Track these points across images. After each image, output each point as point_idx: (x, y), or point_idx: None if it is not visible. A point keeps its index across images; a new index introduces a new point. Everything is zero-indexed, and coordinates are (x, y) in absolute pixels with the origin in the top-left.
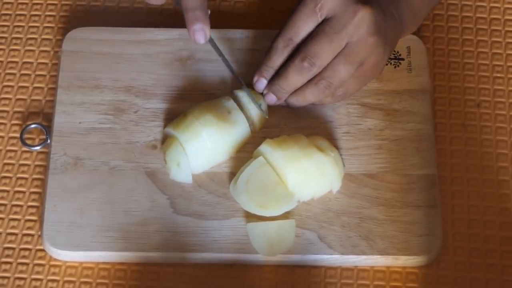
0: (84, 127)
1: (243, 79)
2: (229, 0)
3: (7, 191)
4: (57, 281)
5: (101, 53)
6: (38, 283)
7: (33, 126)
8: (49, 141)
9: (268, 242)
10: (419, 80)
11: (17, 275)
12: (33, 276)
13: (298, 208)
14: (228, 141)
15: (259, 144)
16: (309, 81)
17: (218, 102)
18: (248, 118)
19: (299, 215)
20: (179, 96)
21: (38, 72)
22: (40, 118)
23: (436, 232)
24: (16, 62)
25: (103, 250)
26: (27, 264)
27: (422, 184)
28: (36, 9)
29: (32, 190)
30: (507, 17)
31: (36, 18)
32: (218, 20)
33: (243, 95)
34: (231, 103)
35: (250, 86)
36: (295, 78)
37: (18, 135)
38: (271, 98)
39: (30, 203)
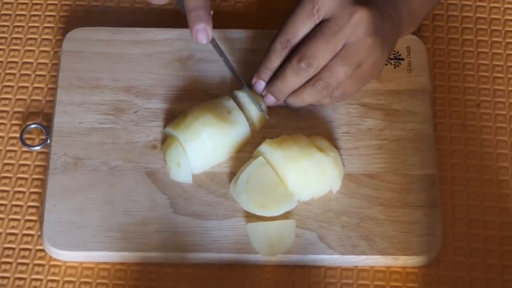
0: (84, 127)
1: (243, 79)
2: (229, 0)
3: (7, 191)
4: (57, 281)
5: (101, 53)
6: (38, 283)
7: (33, 126)
8: (49, 141)
9: (268, 242)
10: (419, 80)
11: (17, 275)
12: (33, 276)
13: (298, 208)
14: (228, 141)
15: (259, 144)
16: (307, 82)
17: (218, 102)
18: (248, 118)
19: (299, 215)
20: (179, 96)
21: (38, 72)
22: (40, 118)
23: (436, 232)
24: (16, 62)
25: (103, 250)
26: (27, 264)
27: (422, 184)
28: (36, 9)
29: (32, 190)
30: (507, 17)
31: (36, 18)
32: (218, 20)
33: (243, 96)
34: (231, 103)
35: (250, 86)
36: (292, 79)
37: (18, 135)
38: (270, 99)
39: (30, 203)
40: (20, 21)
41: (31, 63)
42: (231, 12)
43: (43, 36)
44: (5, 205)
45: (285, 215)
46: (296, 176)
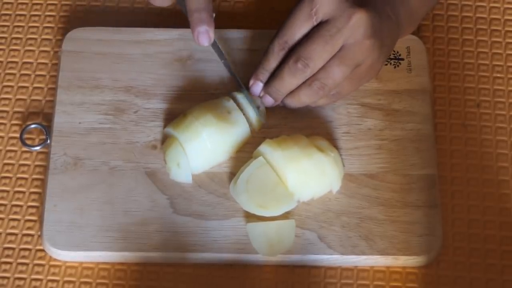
0: (84, 127)
1: (243, 79)
2: (228, 0)
3: (7, 191)
4: (57, 281)
5: (101, 53)
6: (38, 283)
7: (33, 126)
8: (49, 141)
9: (268, 242)
10: (419, 80)
11: (17, 275)
12: (33, 276)
13: (298, 208)
14: (228, 141)
15: (259, 144)
16: (304, 82)
17: (218, 102)
18: (247, 119)
19: (299, 215)
20: (179, 96)
21: (38, 72)
22: (40, 118)
23: (436, 232)
24: (16, 62)
25: (103, 250)
26: (27, 264)
27: (422, 184)
28: (36, 9)
29: (32, 190)
30: (507, 17)
31: (36, 18)
32: (217, 20)
33: (241, 98)
34: (231, 103)
35: (249, 88)
36: (289, 79)
37: (18, 135)
38: (268, 100)
39: (30, 203)
40: (20, 21)
41: (31, 63)
42: (231, 12)
43: (43, 36)
44: (5, 205)
45: (285, 215)
46: (296, 176)
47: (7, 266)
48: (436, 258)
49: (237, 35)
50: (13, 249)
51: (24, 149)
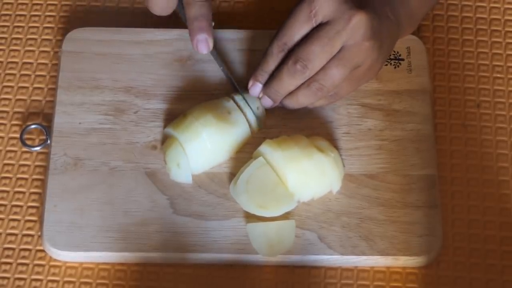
0: (84, 128)
1: (242, 80)
2: (228, 0)
3: (7, 192)
4: (57, 281)
5: (101, 54)
6: (38, 284)
7: (33, 126)
8: (49, 141)
9: (268, 242)
10: (419, 81)
11: (17, 276)
12: (33, 277)
13: (298, 209)
14: (228, 142)
15: (259, 144)
16: (302, 83)
17: (218, 102)
18: (246, 120)
19: (299, 216)
20: (179, 97)
21: (38, 73)
22: (40, 119)
23: (436, 232)
24: (16, 63)
25: (103, 250)
26: (27, 264)
27: (422, 185)
28: (36, 10)
29: (32, 190)
30: (507, 17)
31: (36, 18)
32: (217, 20)
33: (240, 99)
34: (231, 104)
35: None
36: (288, 81)
37: (18, 135)
38: (267, 101)
39: (30, 204)
40: (20, 21)
41: (31, 63)
42: (231, 12)
43: (43, 36)
44: (5, 205)
45: (285, 216)
46: (296, 176)
47: (7, 266)
48: (436, 259)
49: (237, 35)
50: (13, 249)
51: (24, 149)
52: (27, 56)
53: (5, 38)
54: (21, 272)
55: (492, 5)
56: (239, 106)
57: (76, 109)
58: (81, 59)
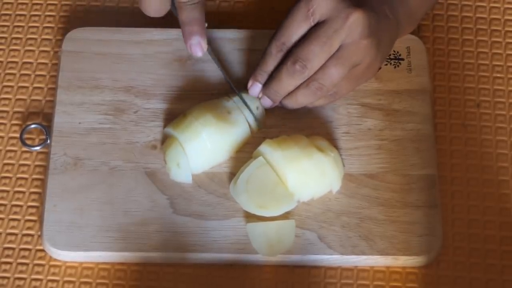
0: (84, 127)
1: (242, 79)
2: (228, 0)
3: (7, 191)
4: (57, 281)
5: (101, 53)
6: (38, 283)
7: (33, 126)
8: (49, 141)
9: (268, 242)
10: (419, 80)
11: (17, 275)
12: (33, 276)
13: (298, 208)
14: (228, 141)
15: (259, 144)
16: (302, 83)
17: (218, 102)
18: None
19: (299, 215)
20: (178, 96)
21: (38, 72)
22: (40, 118)
23: (436, 232)
24: (16, 62)
25: (103, 250)
26: (27, 264)
27: (422, 184)
28: (36, 9)
29: (32, 190)
30: (507, 17)
31: (36, 18)
32: (217, 20)
33: (240, 99)
34: (231, 103)
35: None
36: (287, 81)
37: (18, 135)
38: (266, 101)
39: (30, 203)
40: (20, 21)
41: (31, 63)
42: (231, 12)
43: (43, 36)
44: (5, 205)
45: (285, 215)
46: (296, 176)
47: (7, 266)
48: (436, 258)
49: (237, 35)
50: (13, 249)
51: (24, 149)
52: (27, 56)
53: (5, 38)
54: (21, 272)
55: (492, 5)
56: (239, 106)
57: (76, 109)
58: (81, 59)
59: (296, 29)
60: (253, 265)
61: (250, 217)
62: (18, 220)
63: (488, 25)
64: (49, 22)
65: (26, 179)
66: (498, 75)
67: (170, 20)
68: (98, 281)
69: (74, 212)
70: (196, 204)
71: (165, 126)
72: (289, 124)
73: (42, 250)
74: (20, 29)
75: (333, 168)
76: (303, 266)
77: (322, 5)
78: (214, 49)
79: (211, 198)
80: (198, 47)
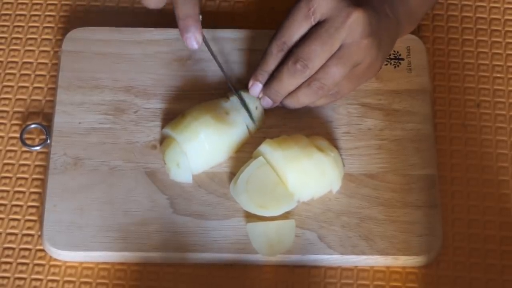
0: (84, 127)
1: (242, 80)
2: (228, 0)
3: (7, 191)
4: (57, 281)
5: (101, 53)
6: (38, 283)
7: (33, 126)
8: (49, 141)
9: (268, 242)
10: (419, 80)
11: (17, 275)
12: (33, 276)
13: (298, 208)
14: (226, 142)
15: (258, 144)
16: (303, 83)
17: (217, 102)
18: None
19: (299, 215)
20: (178, 96)
21: (38, 72)
22: (40, 118)
23: (436, 232)
24: (16, 62)
25: (103, 250)
26: (27, 264)
27: (422, 184)
28: (36, 9)
29: (32, 190)
30: (507, 17)
31: (36, 18)
32: (218, 20)
33: (238, 100)
34: (229, 104)
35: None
36: (289, 81)
37: (18, 135)
38: (267, 101)
39: (30, 203)
40: (20, 21)
41: (31, 63)
42: (231, 12)
43: (43, 36)
44: (5, 205)
45: (285, 215)
46: (296, 176)
47: (7, 266)
48: (436, 258)
49: (237, 35)
50: (13, 249)
51: (24, 149)
52: (27, 55)
53: (5, 38)
54: (21, 271)
55: (492, 5)
56: (237, 107)
57: (76, 108)
58: (81, 59)
59: (297, 28)
60: (253, 265)
61: (250, 217)
62: (18, 220)
63: (488, 25)
64: (49, 22)
65: (26, 179)
66: (498, 75)
67: (170, 20)
68: (98, 281)
69: (74, 212)
70: (196, 204)
71: (164, 126)
72: (289, 124)
73: (42, 250)
74: (20, 29)
75: (333, 168)
76: (303, 266)
77: (322, 5)
78: (213, 49)
79: (211, 198)
80: (193, 40)
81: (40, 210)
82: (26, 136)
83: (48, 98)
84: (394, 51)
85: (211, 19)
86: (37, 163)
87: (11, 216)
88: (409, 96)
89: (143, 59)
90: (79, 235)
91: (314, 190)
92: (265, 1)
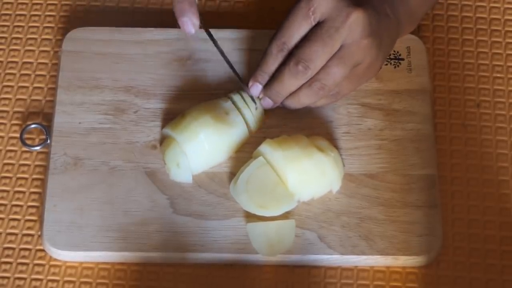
0: (84, 127)
1: (243, 79)
2: (228, 0)
3: (7, 191)
4: (57, 281)
5: (101, 53)
6: (38, 283)
7: (33, 126)
8: (49, 141)
9: (268, 242)
10: (419, 80)
11: (17, 275)
12: (33, 276)
13: (298, 208)
14: (226, 142)
15: (258, 144)
16: (304, 83)
17: (216, 103)
18: (244, 120)
19: (299, 215)
20: (178, 96)
21: (38, 72)
22: (40, 118)
23: (436, 232)
24: (16, 62)
25: (103, 250)
26: (27, 264)
27: (422, 184)
28: (36, 9)
29: (32, 190)
30: (507, 17)
31: (36, 18)
32: (218, 20)
33: (239, 99)
34: (229, 104)
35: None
36: (290, 82)
37: (18, 135)
38: (268, 102)
39: (30, 203)
40: (20, 21)
41: (31, 63)
42: (231, 12)
43: (43, 36)
44: (5, 205)
45: (285, 215)
46: (296, 176)
47: (7, 266)
48: (436, 258)
49: (237, 35)
50: (13, 249)
51: (24, 149)
52: (27, 55)
53: (5, 38)
54: (21, 271)
55: (492, 5)
56: (237, 107)
57: (76, 108)
58: (81, 59)
59: (297, 28)
60: (253, 265)
61: (250, 217)
62: (18, 220)
63: (488, 25)
64: (49, 22)
65: (26, 179)
66: (498, 75)
67: (170, 20)
68: (98, 281)
69: (74, 212)
70: (196, 204)
71: (164, 126)
72: (289, 124)
73: (42, 250)
74: (20, 29)
75: (333, 168)
76: (303, 266)
77: (322, 4)
78: (214, 49)
79: (211, 198)
80: (189, 24)
81: (40, 210)
82: (26, 136)
83: (48, 98)
84: (394, 51)
85: (211, 19)
86: (37, 163)
87: (11, 216)
88: (409, 96)
89: (143, 59)
90: (79, 235)
91: (314, 190)
92: (265, 1)
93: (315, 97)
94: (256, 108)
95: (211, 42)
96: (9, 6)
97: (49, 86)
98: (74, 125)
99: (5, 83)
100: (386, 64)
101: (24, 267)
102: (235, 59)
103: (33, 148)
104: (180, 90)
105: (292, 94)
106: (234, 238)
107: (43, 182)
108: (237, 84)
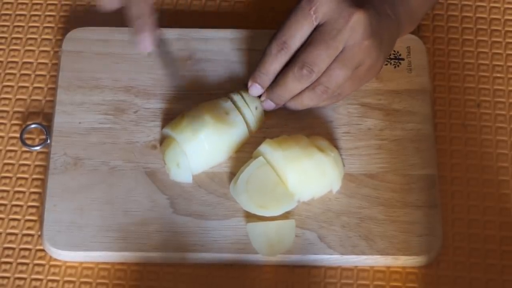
0: (84, 127)
1: (242, 80)
2: (229, 0)
3: (7, 191)
4: (57, 281)
5: (101, 53)
6: (38, 283)
7: (33, 126)
8: (49, 141)
9: (268, 242)
10: (419, 80)
11: (17, 275)
12: (33, 276)
13: (298, 208)
14: (226, 142)
15: (259, 144)
16: (307, 86)
17: (216, 103)
18: (244, 120)
19: (299, 215)
20: (178, 96)
21: (38, 72)
22: (40, 118)
23: (436, 232)
24: (16, 62)
25: (103, 250)
26: (27, 264)
27: (422, 184)
28: (36, 9)
29: (32, 190)
30: (507, 17)
31: (36, 18)
32: (218, 20)
33: (239, 99)
34: (229, 104)
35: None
36: (294, 85)
37: (18, 135)
38: (270, 105)
39: (30, 203)
40: (20, 21)
41: (31, 63)
42: (231, 12)
43: (43, 36)
44: (5, 205)
45: (285, 215)
46: (296, 176)
47: (7, 266)
48: (436, 258)
49: (237, 35)
50: (13, 249)
51: (24, 149)
52: (27, 55)
53: (5, 38)
54: (21, 271)
55: (492, 5)
56: (237, 106)
57: (76, 108)
58: (81, 59)
59: (299, 28)
60: (253, 265)
61: (250, 217)
62: (18, 220)
63: (488, 25)
64: (49, 22)
65: (26, 179)
66: (498, 75)
67: (170, 20)
68: (98, 281)
69: (74, 212)
70: (196, 204)
71: (164, 126)
72: (290, 124)
73: (42, 250)
74: (20, 29)
75: (333, 168)
76: (303, 266)
77: (324, 4)
78: (213, 49)
79: (211, 198)
80: (146, 43)
81: (40, 210)
82: (26, 136)
83: (48, 98)
84: (394, 51)
85: (211, 19)
86: (37, 163)
87: (11, 216)
88: (409, 96)
89: (143, 59)
90: (79, 235)
91: (314, 190)
92: (265, 1)
93: (317, 100)
94: (256, 108)
95: (211, 42)
96: (9, 6)
97: (49, 86)
98: (74, 125)
99: (5, 83)
100: (386, 64)
101: (24, 267)
102: (235, 59)
103: (33, 148)
104: (180, 90)
105: (295, 96)
106: (234, 238)
107: (43, 182)
108: (237, 84)
